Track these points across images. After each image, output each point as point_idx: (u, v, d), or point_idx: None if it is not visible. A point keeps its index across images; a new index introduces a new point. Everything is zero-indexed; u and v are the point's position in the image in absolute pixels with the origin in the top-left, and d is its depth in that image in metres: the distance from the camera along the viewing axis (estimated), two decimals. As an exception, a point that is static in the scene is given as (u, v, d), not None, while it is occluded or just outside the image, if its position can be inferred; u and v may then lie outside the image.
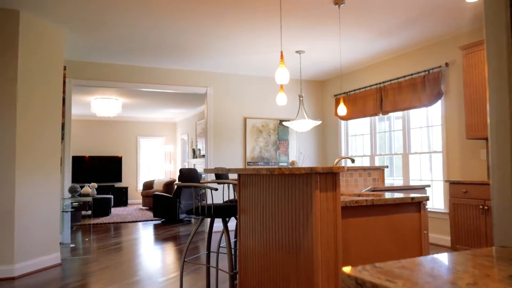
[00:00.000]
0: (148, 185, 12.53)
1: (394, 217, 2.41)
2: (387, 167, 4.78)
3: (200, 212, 3.39)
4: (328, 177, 2.17)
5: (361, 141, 7.97)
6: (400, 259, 2.40)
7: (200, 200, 9.75)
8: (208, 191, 7.02)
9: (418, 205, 2.51)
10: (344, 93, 8.02)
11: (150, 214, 10.36)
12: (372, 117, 7.53)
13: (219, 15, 4.99)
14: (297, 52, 6.47)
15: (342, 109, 5.27)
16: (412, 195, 2.58)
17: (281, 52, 3.49)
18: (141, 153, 14.25)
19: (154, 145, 14.59)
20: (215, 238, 6.69)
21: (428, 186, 4.09)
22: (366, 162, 7.75)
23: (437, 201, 6.27)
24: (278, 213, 2.49)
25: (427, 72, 6.23)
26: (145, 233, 7.61)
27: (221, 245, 4.19)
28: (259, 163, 8.01)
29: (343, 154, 8.20)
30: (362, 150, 7.91)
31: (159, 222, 9.09)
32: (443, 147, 6.03)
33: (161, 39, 5.89)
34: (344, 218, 2.26)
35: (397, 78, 6.73)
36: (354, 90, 7.72)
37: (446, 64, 5.96)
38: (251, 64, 7.29)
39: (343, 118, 7.97)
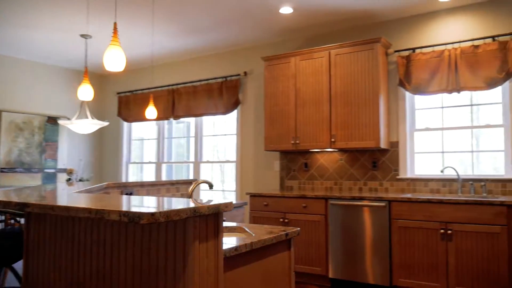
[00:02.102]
0: None
1: (268, 261, 1.86)
2: (195, 180, 4.25)
3: None
4: (210, 219, 1.45)
5: (146, 146, 7.23)
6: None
7: None
8: None
9: (289, 241, 2.03)
10: (130, 91, 7.11)
11: None
12: (162, 121, 6.89)
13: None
14: (82, 36, 5.27)
15: (151, 112, 4.45)
16: (276, 228, 2.09)
17: (115, 24, 2.46)
18: None
19: None
20: None
21: (245, 204, 3.75)
22: (151, 170, 7.05)
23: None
24: (112, 275, 1.60)
25: (224, 79, 6.01)
26: None
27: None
28: (17, 169, 6.28)
29: (124, 160, 7.28)
30: (147, 157, 7.18)
31: None
32: (237, 157, 5.90)
33: None
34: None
35: (193, 82, 6.30)
36: (143, 90, 6.92)
37: (245, 73, 5.87)
38: (20, 43, 5.61)
39: (127, 120, 7.06)
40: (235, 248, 1.62)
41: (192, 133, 6.55)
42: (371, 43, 4.58)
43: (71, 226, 1.78)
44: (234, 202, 3.87)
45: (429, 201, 3.90)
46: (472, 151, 4.45)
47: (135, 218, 1.19)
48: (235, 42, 5.67)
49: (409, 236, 3.99)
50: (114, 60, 2.33)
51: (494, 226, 3.62)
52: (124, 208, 1.26)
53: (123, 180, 7.15)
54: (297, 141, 4.98)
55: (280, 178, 5.50)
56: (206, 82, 6.23)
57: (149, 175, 7.09)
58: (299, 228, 2.09)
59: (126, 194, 3.40)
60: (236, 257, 1.64)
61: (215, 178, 6.33)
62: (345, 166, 5.05)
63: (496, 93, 4.35)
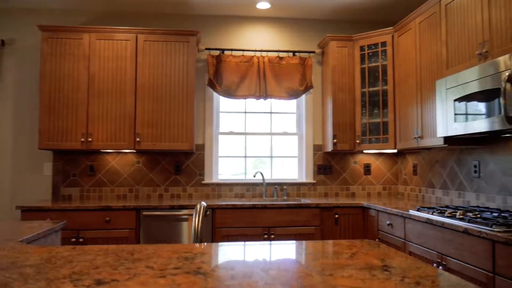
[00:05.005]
0: None
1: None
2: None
3: None
4: None
5: None
6: None
7: None
8: None
9: None
10: None
11: None
12: None
13: None
14: None
15: None
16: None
17: None
18: None
19: None
20: None
21: (64, 224, 2.64)
22: None
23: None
24: None
25: (-36, 45, 4.23)
26: None
27: None
28: None
29: None
30: None
31: None
32: (-18, 157, 4.24)
33: None
34: None
35: None
36: None
37: (3, 42, 4.29)
38: None
39: None
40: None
41: None
42: (187, 35, 4.17)
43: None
44: None
45: (253, 207, 3.82)
46: (271, 156, 4.67)
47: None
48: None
49: (233, 245, 3.79)
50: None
51: (309, 228, 3.88)
52: None
53: None
54: (89, 139, 3.99)
55: (53, 185, 4.28)
56: None
57: None
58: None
59: None
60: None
61: None
62: (143, 170, 4.39)
63: (291, 104, 4.73)
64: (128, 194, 4.36)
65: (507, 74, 2.42)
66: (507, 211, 2.85)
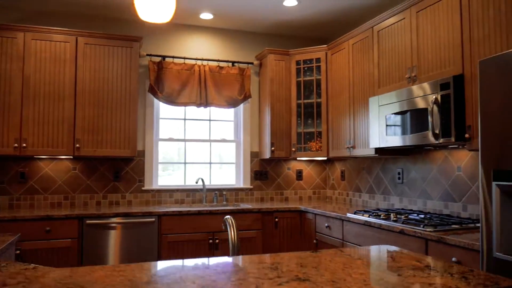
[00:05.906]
0: None
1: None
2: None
3: None
4: None
5: None
6: None
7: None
8: None
9: None
10: None
11: None
12: None
13: None
14: None
15: None
16: None
17: None
18: None
19: None
20: None
21: (19, 235, 2.50)
22: None
23: None
24: None
25: None
26: None
27: None
28: None
29: None
30: None
31: None
32: None
33: None
34: None
35: None
36: None
37: None
38: None
39: None
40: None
41: None
42: (131, 40, 4.14)
43: None
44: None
45: (199, 213, 3.92)
46: (210, 163, 4.79)
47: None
48: None
49: (179, 250, 3.86)
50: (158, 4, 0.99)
51: (251, 231, 4.08)
52: None
53: None
54: (24, 144, 3.78)
55: (-23, 193, 3.97)
56: None
57: None
58: None
59: None
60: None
61: None
62: (79, 177, 4.25)
63: (229, 112, 4.90)
64: (63, 202, 4.18)
65: (434, 97, 2.85)
66: (429, 213, 3.32)
